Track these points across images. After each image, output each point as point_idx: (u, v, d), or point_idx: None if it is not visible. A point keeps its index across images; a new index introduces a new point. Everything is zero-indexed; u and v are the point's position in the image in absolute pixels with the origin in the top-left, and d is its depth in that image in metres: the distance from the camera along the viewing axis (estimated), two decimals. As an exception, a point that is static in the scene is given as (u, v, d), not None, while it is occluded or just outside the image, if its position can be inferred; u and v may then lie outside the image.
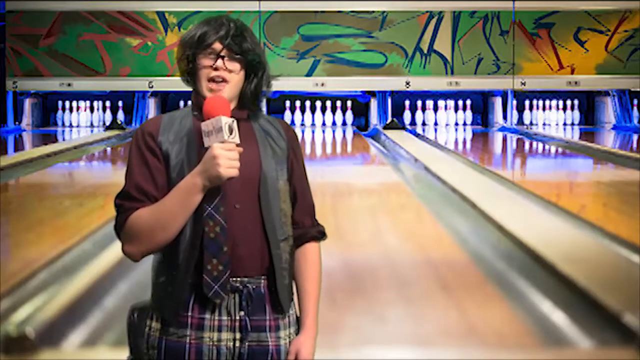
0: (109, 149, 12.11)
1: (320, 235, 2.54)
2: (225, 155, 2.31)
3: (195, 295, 2.39)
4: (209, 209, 2.37)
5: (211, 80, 2.43)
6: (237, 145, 2.34)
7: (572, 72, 14.43)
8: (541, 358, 3.76)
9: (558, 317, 4.10)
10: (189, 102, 2.51)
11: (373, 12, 14.31)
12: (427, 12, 14.37)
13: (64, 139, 13.26)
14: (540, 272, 4.58)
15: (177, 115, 2.47)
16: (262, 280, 2.42)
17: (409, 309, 4.33)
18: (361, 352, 3.70)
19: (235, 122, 2.35)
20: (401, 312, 4.28)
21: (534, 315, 4.21)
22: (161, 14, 14.22)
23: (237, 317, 2.40)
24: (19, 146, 12.44)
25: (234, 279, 2.39)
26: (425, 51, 14.36)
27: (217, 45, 2.43)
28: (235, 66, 2.44)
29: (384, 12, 14.32)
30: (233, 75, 2.43)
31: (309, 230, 2.52)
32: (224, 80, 2.42)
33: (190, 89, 2.52)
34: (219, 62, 2.42)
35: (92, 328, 3.96)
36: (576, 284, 4.15)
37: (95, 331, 3.93)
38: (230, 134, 2.32)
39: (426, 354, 3.71)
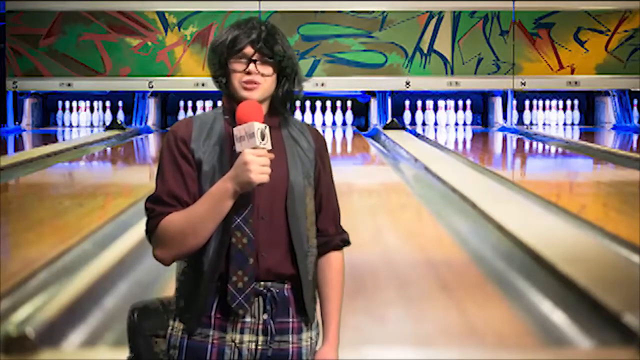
0: (109, 149, 12.11)
1: (344, 243, 2.54)
2: (257, 161, 2.31)
3: (220, 298, 2.39)
4: (238, 220, 2.37)
5: (244, 84, 2.42)
6: (269, 151, 2.34)
7: (572, 72, 14.43)
8: (541, 358, 3.76)
9: (558, 317, 4.10)
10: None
11: (373, 12, 14.32)
12: (427, 12, 14.37)
13: (64, 139, 13.26)
14: (540, 272, 4.58)
15: (208, 119, 2.46)
16: (286, 284, 2.42)
17: (409, 309, 4.33)
18: (361, 352, 3.70)
19: (267, 128, 2.34)
20: (401, 312, 4.28)
21: (534, 315, 4.21)
22: (161, 14, 14.21)
23: (261, 320, 2.40)
24: (19, 146, 12.44)
25: (258, 283, 2.39)
26: (425, 51, 14.36)
27: (249, 50, 2.42)
28: (268, 70, 2.43)
29: (384, 12, 14.32)
30: (266, 79, 2.42)
31: (333, 238, 2.51)
32: (257, 84, 2.41)
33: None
34: (252, 67, 2.41)
35: (92, 328, 3.96)
36: (576, 284, 4.15)
37: (95, 331, 3.94)
38: (262, 139, 2.32)
39: (426, 354, 3.71)
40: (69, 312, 3.95)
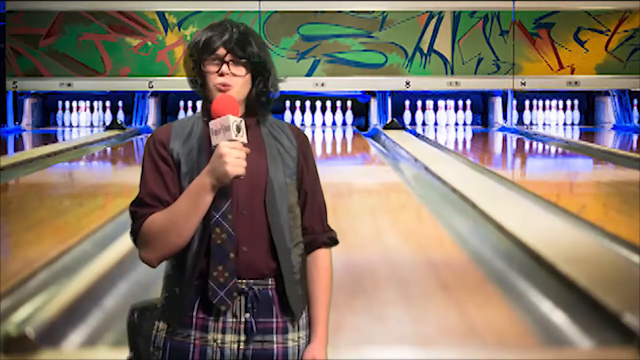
0: (109, 149, 12.11)
1: (331, 241, 2.53)
2: (232, 153, 2.32)
3: (201, 297, 2.39)
4: (217, 216, 2.38)
5: (217, 85, 2.43)
6: (245, 145, 2.35)
7: (572, 72, 14.43)
8: (541, 358, 3.76)
9: (558, 317, 4.10)
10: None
11: (373, 12, 14.31)
12: (427, 12, 14.37)
13: (64, 139, 13.26)
14: (540, 272, 4.58)
15: (187, 122, 2.48)
16: (270, 282, 2.42)
17: (409, 309, 4.33)
18: (361, 352, 3.70)
19: (243, 121, 2.36)
20: (401, 312, 4.28)
21: (534, 315, 4.21)
22: (161, 14, 14.21)
23: (243, 319, 2.39)
24: (19, 146, 12.44)
25: (240, 281, 2.39)
26: (425, 51, 14.36)
27: (222, 51, 2.43)
28: (241, 70, 2.44)
29: (384, 12, 14.32)
30: (239, 80, 2.43)
31: (319, 236, 2.51)
32: (230, 85, 2.42)
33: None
34: (224, 68, 2.42)
35: (92, 328, 3.96)
36: (576, 284, 4.15)
37: (95, 331, 3.94)
38: (238, 132, 2.33)
39: (426, 354, 3.71)
40: (69, 312, 3.95)
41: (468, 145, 12.78)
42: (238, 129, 2.33)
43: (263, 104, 2.49)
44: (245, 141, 2.35)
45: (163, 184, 2.41)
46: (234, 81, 2.43)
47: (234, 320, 2.39)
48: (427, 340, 3.87)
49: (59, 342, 3.72)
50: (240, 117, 2.42)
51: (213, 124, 2.35)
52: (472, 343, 3.82)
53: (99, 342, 3.85)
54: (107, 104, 14.83)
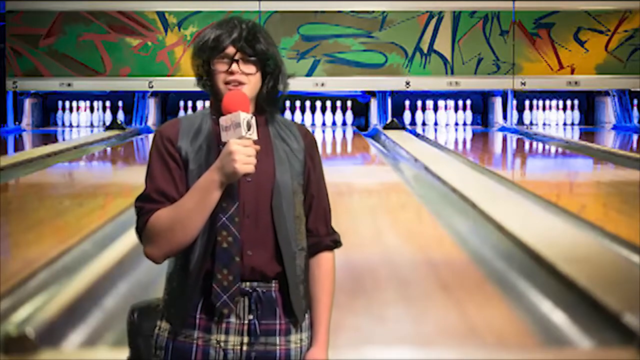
0: (109, 149, 12.11)
1: (334, 244, 2.52)
2: (242, 151, 2.30)
3: (205, 298, 2.38)
4: (224, 218, 2.36)
5: (228, 84, 2.41)
6: (255, 142, 2.33)
7: (572, 72, 14.43)
8: (541, 358, 3.76)
9: (558, 317, 4.10)
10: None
11: (373, 12, 14.31)
12: (427, 12, 14.37)
13: (64, 139, 13.26)
14: (540, 272, 4.58)
15: (195, 119, 2.46)
16: (274, 284, 2.41)
17: (409, 309, 4.33)
18: (361, 352, 3.70)
19: (253, 118, 2.33)
20: (401, 312, 4.28)
21: (534, 315, 4.21)
22: (161, 14, 14.21)
23: (246, 321, 2.38)
24: (19, 146, 12.44)
25: (244, 283, 2.38)
26: (425, 51, 14.36)
27: (231, 49, 2.41)
28: (251, 68, 2.42)
29: (384, 12, 14.32)
30: (249, 78, 2.41)
31: (323, 239, 2.50)
32: (241, 84, 2.40)
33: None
34: (234, 66, 2.40)
35: (92, 328, 3.96)
36: (576, 284, 4.15)
37: (95, 331, 3.94)
38: (248, 130, 2.31)
39: (426, 354, 3.71)
40: (69, 312, 3.95)
41: (468, 145, 12.78)
42: (249, 126, 2.31)
43: (273, 102, 2.47)
44: (256, 138, 2.33)
45: (171, 180, 2.39)
46: (245, 79, 2.41)
47: (238, 321, 2.38)
48: (427, 340, 3.87)
49: (59, 342, 3.72)
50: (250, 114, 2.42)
51: (223, 120, 2.33)
52: (472, 343, 3.82)
53: (99, 342, 3.85)
54: (107, 104, 14.84)
